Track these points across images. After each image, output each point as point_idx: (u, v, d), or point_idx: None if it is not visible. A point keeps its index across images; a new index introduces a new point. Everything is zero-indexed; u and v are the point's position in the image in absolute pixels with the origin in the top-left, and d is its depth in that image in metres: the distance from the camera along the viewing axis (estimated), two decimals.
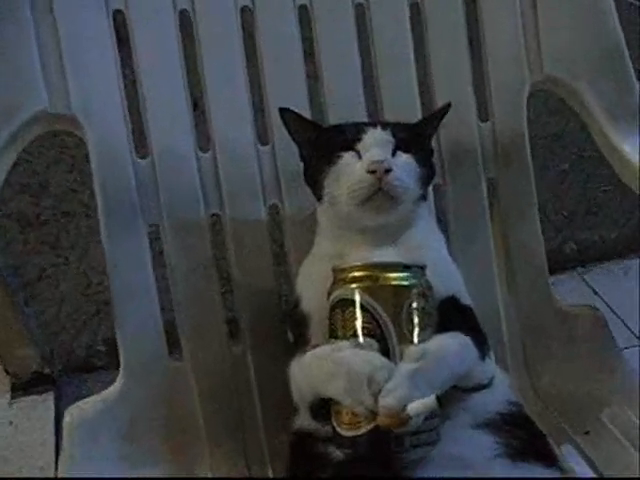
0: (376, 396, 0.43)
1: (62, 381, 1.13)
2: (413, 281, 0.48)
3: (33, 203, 0.95)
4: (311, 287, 0.55)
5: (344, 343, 0.46)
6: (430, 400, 0.42)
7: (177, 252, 0.60)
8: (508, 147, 0.66)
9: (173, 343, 0.62)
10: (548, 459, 0.52)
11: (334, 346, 0.46)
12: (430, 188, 0.61)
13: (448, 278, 0.55)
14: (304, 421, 0.54)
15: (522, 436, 0.52)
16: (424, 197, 0.57)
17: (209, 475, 0.59)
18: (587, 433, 0.61)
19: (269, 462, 0.61)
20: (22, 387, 1.10)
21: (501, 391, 0.55)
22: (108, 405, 0.57)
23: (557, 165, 1.22)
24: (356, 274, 0.48)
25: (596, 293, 1.32)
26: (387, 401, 0.42)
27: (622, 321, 1.19)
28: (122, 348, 0.59)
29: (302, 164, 0.58)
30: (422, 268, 0.49)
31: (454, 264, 0.58)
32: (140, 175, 0.59)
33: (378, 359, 0.44)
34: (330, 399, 0.47)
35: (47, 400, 1.10)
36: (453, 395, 0.50)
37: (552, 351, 0.67)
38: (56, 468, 1.01)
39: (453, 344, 0.47)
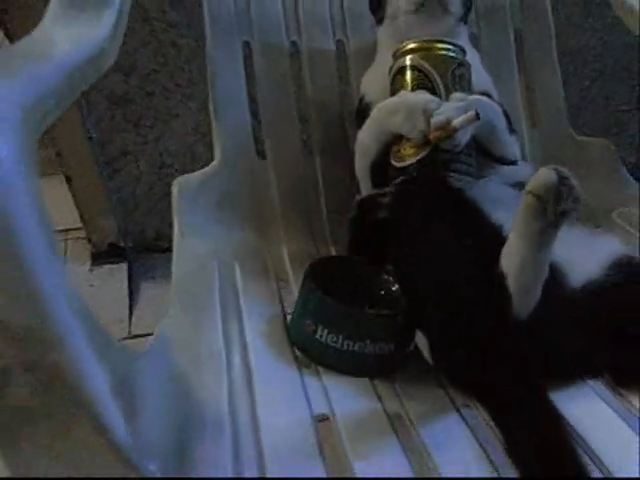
0: (429, 120, 0.56)
1: (133, 256, 1.28)
2: (457, 55, 0.62)
3: (122, 81, 1.10)
4: (372, 83, 0.69)
5: (403, 91, 0.60)
6: (471, 114, 0.55)
7: (263, 67, 0.74)
8: (532, 3, 0.80)
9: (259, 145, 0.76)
10: None
11: (395, 97, 0.60)
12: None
13: (483, 79, 0.69)
14: (365, 191, 0.67)
15: None
16: (465, 19, 0.70)
17: (284, 251, 0.72)
18: (598, 227, 0.74)
19: (332, 244, 0.74)
20: (100, 256, 1.25)
21: (528, 170, 0.68)
22: (205, 179, 0.72)
23: (579, 82, 1.32)
24: (412, 46, 0.61)
25: None
26: (437, 118, 0.55)
27: None
28: (218, 140, 0.73)
29: None
30: (463, 50, 0.63)
31: (489, 76, 0.72)
32: (238, 3, 0.74)
33: (430, 96, 0.58)
34: (388, 157, 0.61)
35: (121, 270, 1.25)
36: (488, 163, 0.63)
37: (571, 171, 0.79)
38: (129, 323, 1.17)
39: (488, 100, 0.61)
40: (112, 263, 1.25)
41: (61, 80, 0.44)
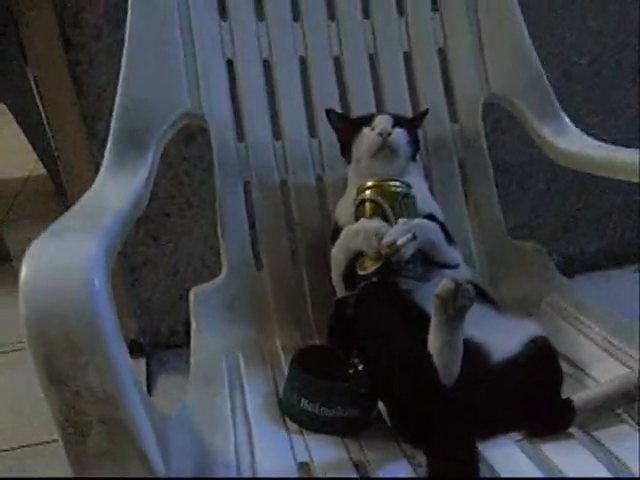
0: (380, 241, 0.76)
1: (151, 352, 1.46)
2: (404, 190, 0.83)
3: None
4: (343, 211, 0.90)
5: (363, 219, 0.80)
6: (409, 236, 0.75)
7: (259, 201, 0.95)
8: (470, 139, 1.02)
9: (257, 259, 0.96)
10: (496, 307, 0.84)
11: (357, 223, 0.81)
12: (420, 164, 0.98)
13: (429, 203, 0.89)
14: (339, 294, 0.86)
15: (478, 293, 0.83)
16: (414, 158, 0.92)
17: (278, 343, 0.90)
18: (531, 315, 0.92)
19: (316, 336, 0.92)
20: None
21: (466, 273, 0.87)
22: (216, 288, 0.91)
23: (534, 185, 1.55)
24: (370, 184, 0.83)
25: None
26: (386, 239, 0.75)
27: None
28: (224, 256, 0.93)
29: (339, 144, 0.95)
30: (409, 185, 0.84)
31: (436, 203, 0.92)
32: (240, 153, 0.96)
33: (381, 223, 0.78)
34: (354, 268, 0.80)
35: (140, 363, 1.42)
36: (434, 268, 0.83)
37: (507, 269, 0.99)
38: None
39: (427, 221, 0.81)
40: (132, 357, 1.42)
41: (120, 227, 0.64)
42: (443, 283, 0.64)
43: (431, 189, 0.99)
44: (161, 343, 1.45)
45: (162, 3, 0.94)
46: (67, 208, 0.66)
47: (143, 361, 1.42)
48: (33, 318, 0.49)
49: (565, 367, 0.77)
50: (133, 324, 1.41)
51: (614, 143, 0.91)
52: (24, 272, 0.51)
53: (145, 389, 1.36)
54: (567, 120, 1.01)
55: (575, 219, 1.60)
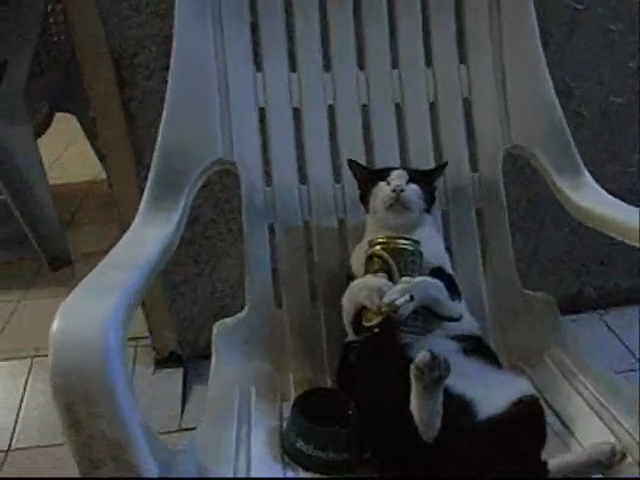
0: (381, 299, 0.82)
1: (188, 363, 1.56)
2: (411, 247, 0.88)
3: (187, 229, 1.42)
4: (356, 259, 0.96)
5: (368, 275, 0.86)
6: (406, 298, 0.80)
7: (282, 242, 1.03)
8: (489, 188, 1.06)
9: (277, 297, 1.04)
10: (494, 361, 0.88)
11: (363, 277, 0.87)
12: (439, 213, 1.03)
13: (438, 256, 0.94)
14: (350, 337, 0.93)
15: (477, 346, 0.88)
16: (428, 211, 0.97)
17: (291, 377, 0.98)
18: (533, 366, 0.95)
19: (329, 373, 0.99)
20: (162, 362, 1.54)
21: (469, 327, 0.91)
22: (237, 323, 1.00)
23: (569, 222, 1.55)
24: (379, 240, 0.89)
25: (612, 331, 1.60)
26: (386, 299, 0.81)
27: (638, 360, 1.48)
28: (248, 292, 1.01)
29: (359, 192, 1.01)
30: (417, 242, 0.89)
31: (447, 255, 0.97)
32: (266, 196, 1.04)
33: (385, 281, 0.84)
34: (361, 317, 0.86)
35: (178, 374, 1.53)
36: (436, 321, 0.88)
37: (516, 319, 1.02)
38: (181, 418, 1.42)
39: (429, 279, 0.86)
40: (171, 368, 1.54)
41: (146, 279, 0.73)
42: (420, 354, 0.70)
43: (447, 236, 1.04)
44: (198, 355, 1.55)
45: (201, 56, 1.02)
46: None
47: (181, 371, 1.53)
48: (57, 370, 0.58)
49: (554, 423, 0.82)
50: (172, 337, 1.51)
51: None
52: (56, 325, 0.61)
53: (180, 396, 1.48)
54: (586, 174, 1.03)
55: (610, 253, 1.59)
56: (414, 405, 0.72)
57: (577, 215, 0.99)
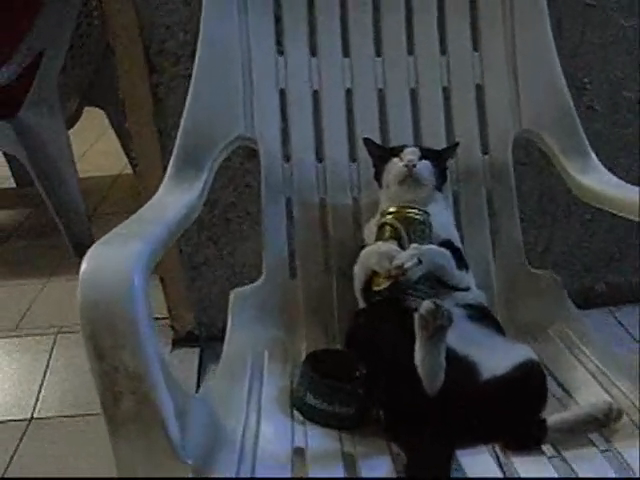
0: (390, 263, 0.85)
1: (205, 343, 1.60)
2: (421, 217, 0.92)
3: (208, 211, 1.48)
4: (369, 232, 1.00)
5: (379, 242, 0.90)
6: (415, 261, 0.84)
7: (299, 215, 1.07)
8: (499, 171, 1.09)
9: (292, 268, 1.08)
10: (499, 329, 0.91)
11: (374, 244, 0.91)
12: (450, 192, 1.07)
13: (448, 231, 0.98)
14: (360, 305, 0.96)
15: (483, 315, 0.91)
16: (439, 189, 1.01)
17: (303, 344, 1.01)
18: (537, 339, 0.98)
19: (339, 340, 1.02)
20: (179, 341, 1.59)
21: (476, 296, 0.95)
22: (253, 290, 1.04)
23: (581, 215, 1.57)
24: (391, 210, 0.93)
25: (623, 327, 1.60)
26: (395, 262, 0.85)
27: None
28: (265, 262, 1.05)
29: (374, 169, 1.05)
30: (427, 213, 0.93)
31: (456, 232, 1.01)
32: (285, 171, 1.08)
33: (395, 247, 0.88)
34: (371, 284, 0.90)
35: (194, 353, 1.58)
36: (445, 290, 0.91)
37: (522, 294, 1.05)
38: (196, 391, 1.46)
39: (436, 247, 0.90)
40: (188, 347, 1.58)
41: (167, 235, 0.78)
42: (425, 303, 0.73)
43: (458, 215, 1.08)
44: (215, 336, 1.59)
45: (227, 40, 1.08)
46: None
47: (197, 351, 1.57)
48: (85, 305, 0.63)
49: (556, 390, 0.84)
50: (191, 317, 1.56)
51: None
52: (83, 269, 0.65)
53: (196, 375, 1.52)
54: (594, 157, 1.06)
55: (621, 248, 1.61)
56: (418, 358, 0.75)
57: (584, 196, 1.02)
